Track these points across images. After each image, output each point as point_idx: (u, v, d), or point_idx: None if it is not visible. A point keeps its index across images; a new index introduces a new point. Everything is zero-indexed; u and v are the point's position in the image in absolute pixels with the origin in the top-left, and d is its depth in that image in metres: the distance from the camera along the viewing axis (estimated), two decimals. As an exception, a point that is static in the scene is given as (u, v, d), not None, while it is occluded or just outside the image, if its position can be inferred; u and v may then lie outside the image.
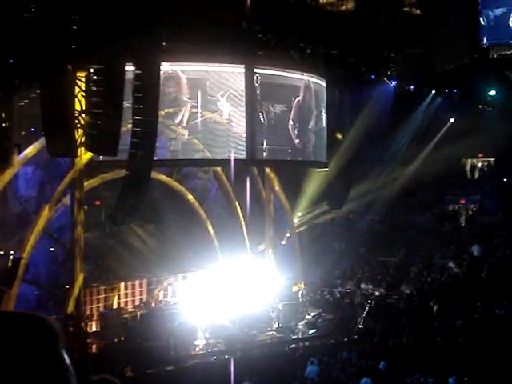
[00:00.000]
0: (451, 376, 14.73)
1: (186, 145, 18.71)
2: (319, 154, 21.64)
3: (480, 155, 34.97)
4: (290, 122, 20.13)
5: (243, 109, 18.98)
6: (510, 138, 28.28)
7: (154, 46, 15.96)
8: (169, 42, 16.94)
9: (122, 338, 17.80)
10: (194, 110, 18.57)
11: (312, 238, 28.76)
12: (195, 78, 18.61)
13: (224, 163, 20.15)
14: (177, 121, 18.49)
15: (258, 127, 19.31)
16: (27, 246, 17.14)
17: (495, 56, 23.92)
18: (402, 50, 23.49)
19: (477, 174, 35.20)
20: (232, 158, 18.85)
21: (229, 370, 15.30)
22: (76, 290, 17.69)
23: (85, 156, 17.61)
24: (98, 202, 23.02)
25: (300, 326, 20.20)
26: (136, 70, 15.43)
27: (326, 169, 22.35)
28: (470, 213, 32.37)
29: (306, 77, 20.56)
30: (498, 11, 23.46)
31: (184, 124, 18.53)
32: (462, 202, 32.70)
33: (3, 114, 15.70)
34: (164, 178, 21.72)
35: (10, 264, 16.33)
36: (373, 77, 23.88)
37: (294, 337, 19.67)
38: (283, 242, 25.27)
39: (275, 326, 19.85)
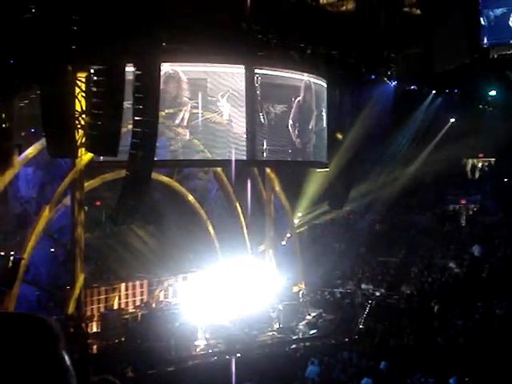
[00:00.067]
0: (452, 376, 14.70)
1: (186, 145, 18.70)
2: (319, 155, 21.64)
3: (481, 155, 34.95)
4: (291, 123, 20.13)
5: (243, 109, 18.99)
6: (511, 138, 28.26)
7: (154, 46, 15.98)
8: (169, 43, 16.95)
9: (123, 339, 17.77)
10: (195, 111, 18.57)
11: (312, 238, 28.79)
12: (195, 79, 18.62)
13: (224, 164, 20.17)
14: (177, 121, 18.48)
15: (258, 127, 19.31)
16: (28, 247, 17.14)
17: (495, 56, 23.88)
18: (402, 50, 23.49)
19: (477, 174, 35.17)
20: (232, 159, 18.87)
21: (230, 370, 15.30)
22: (76, 291, 17.70)
23: (85, 157, 17.62)
24: (98, 203, 23.03)
25: (300, 327, 20.20)
26: (136, 70, 15.44)
27: (327, 169, 22.35)
28: (471, 213, 32.33)
29: (306, 77, 20.56)
30: (499, 11, 23.43)
31: (184, 124, 18.52)
32: (463, 202, 32.66)
33: (3, 115, 15.72)
34: (164, 178, 21.70)
35: (10, 265, 16.33)
36: (373, 77, 23.90)
37: (294, 337, 19.64)
38: (284, 243, 25.26)
39: (276, 326, 19.82)
